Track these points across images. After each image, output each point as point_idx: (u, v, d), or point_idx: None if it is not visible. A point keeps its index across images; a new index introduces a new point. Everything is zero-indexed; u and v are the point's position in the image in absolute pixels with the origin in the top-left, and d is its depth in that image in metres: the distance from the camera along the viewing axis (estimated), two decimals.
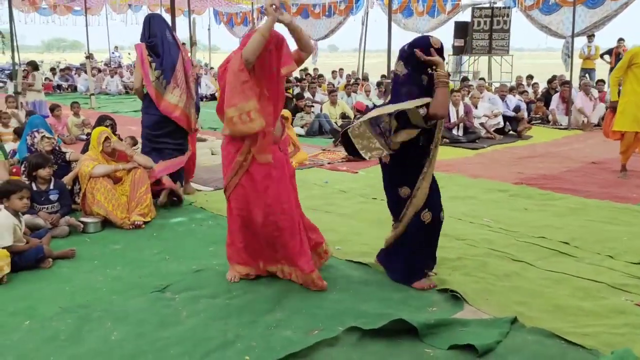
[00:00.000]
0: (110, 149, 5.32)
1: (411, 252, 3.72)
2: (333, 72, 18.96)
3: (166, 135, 5.72)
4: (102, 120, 6.18)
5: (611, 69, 16.09)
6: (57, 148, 5.83)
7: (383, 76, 15.17)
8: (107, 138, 5.32)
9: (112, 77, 19.91)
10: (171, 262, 4.26)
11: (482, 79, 15.96)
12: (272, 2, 3.43)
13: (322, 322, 3.23)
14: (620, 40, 15.65)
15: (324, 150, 8.91)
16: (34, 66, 12.46)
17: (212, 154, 8.13)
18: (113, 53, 27.12)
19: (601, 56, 16.01)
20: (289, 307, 3.43)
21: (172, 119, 5.62)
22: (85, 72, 17.17)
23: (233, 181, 3.69)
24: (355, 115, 9.90)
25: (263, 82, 3.53)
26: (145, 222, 5.14)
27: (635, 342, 2.95)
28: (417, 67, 3.47)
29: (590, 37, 16.29)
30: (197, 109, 6.07)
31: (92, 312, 3.38)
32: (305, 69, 19.60)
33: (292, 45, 3.70)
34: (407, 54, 3.51)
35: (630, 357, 2.74)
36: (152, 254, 4.43)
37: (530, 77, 15.66)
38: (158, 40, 5.62)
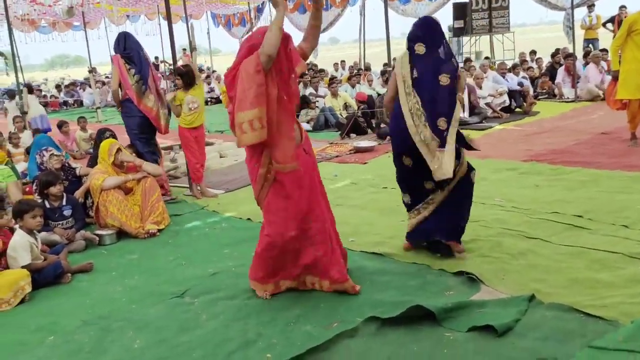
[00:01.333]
0: (119, 161, 5.38)
1: (462, 213, 3.97)
2: (335, 64, 18.94)
3: (148, 138, 6.34)
4: (102, 134, 6.21)
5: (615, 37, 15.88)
6: (66, 164, 5.89)
7: (385, 64, 15.11)
8: (119, 149, 5.39)
9: None
10: (187, 267, 4.31)
11: (487, 58, 15.86)
12: None
13: (341, 315, 3.25)
14: (622, 7, 15.44)
15: (331, 143, 8.92)
16: (28, 88, 12.55)
17: (221, 157, 8.18)
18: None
19: (603, 25, 15.80)
20: (306, 302, 3.46)
21: (150, 119, 6.21)
22: (90, 86, 17.28)
23: (262, 194, 3.46)
24: (358, 106, 9.88)
25: (280, 85, 3.33)
26: (159, 230, 5.20)
27: None
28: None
29: (590, 7, 16.08)
30: (169, 113, 6.55)
31: (113, 322, 3.43)
32: (309, 64, 19.59)
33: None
34: None
35: None
36: (168, 261, 4.48)
37: (533, 52, 15.51)
38: (134, 52, 6.21)
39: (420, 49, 3.79)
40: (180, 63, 6.98)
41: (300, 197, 3.39)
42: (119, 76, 6.14)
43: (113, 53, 6.42)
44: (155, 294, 3.82)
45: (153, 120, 6.23)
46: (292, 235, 3.39)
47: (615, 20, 15.63)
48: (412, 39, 3.85)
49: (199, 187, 6.38)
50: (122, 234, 5.15)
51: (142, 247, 4.88)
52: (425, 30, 3.84)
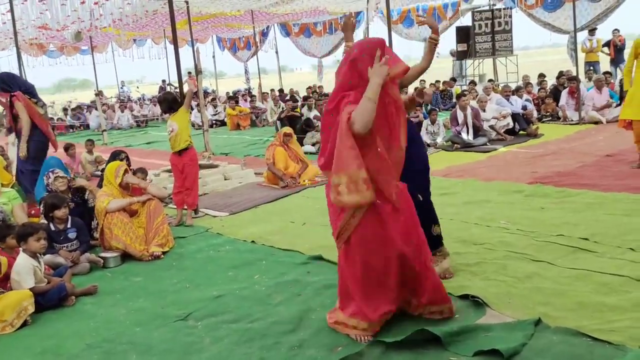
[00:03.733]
0: (125, 183, 5.41)
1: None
2: None
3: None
4: (116, 155, 6.28)
5: (611, 60, 16.03)
6: (72, 187, 5.92)
7: None
8: (126, 170, 5.43)
9: (122, 111, 20.20)
10: (191, 290, 4.29)
11: (491, 80, 15.93)
12: (383, 59, 2.96)
13: (345, 339, 3.22)
14: (615, 30, 15.62)
15: None
16: None
17: (225, 179, 8.20)
18: (122, 88, 27.56)
19: (602, 48, 15.99)
20: (310, 326, 3.44)
21: (51, 138, 6.91)
22: (96, 109, 17.44)
23: (351, 223, 3.13)
24: None
25: (381, 133, 3.08)
26: (163, 252, 5.20)
27: None
28: None
29: (592, 30, 16.24)
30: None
31: (117, 345, 3.42)
32: (313, 86, 19.73)
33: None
34: None
35: None
36: (173, 284, 4.47)
37: (541, 75, 15.55)
38: (29, 86, 6.91)
39: None
40: (185, 86, 7.05)
41: (396, 219, 3.18)
42: (28, 113, 6.59)
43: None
44: (159, 317, 3.80)
45: (50, 135, 6.87)
46: (388, 254, 3.17)
47: (611, 44, 15.79)
48: None
49: (184, 213, 6.36)
50: (126, 257, 5.14)
51: (147, 270, 4.87)
52: None
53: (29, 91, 6.83)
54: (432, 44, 3.79)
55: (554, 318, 3.22)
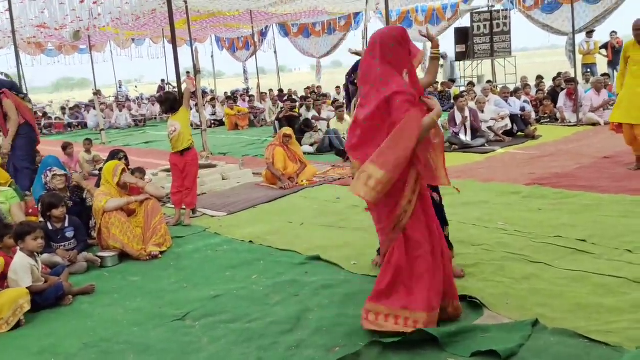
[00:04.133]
0: (122, 182, 5.40)
1: None
2: (337, 87, 19.01)
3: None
4: (115, 155, 6.26)
5: (609, 62, 16.08)
6: (70, 185, 5.91)
7: None
8: (123, 170, 5.42)
9: (120, 111, 20.17)
10: (189, 289, 4.29)
11: (490, 81, 15.95)
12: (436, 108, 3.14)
13: (343, 339, 3.23)
14: (613, 32, 15.66)
15: (333, 166, 8.93)
16: None
17: (223, 179, 8.19)
18: (120, 88, 27.53)
19: (599, 51, 16.05)
20: (308, 326, 3.44)
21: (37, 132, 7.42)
22: (94, 108, 17.42)
23: (408, 210, 3.16)
24: None
25: None
26: (161, 252, 5.19)
27: None
28: None
29: (589, 33, 16.27)
30: None
31: (114, 345, 3.42)
32: (311, 86, 19.74)
33: None
34: None
35: None
36: (170, 283, 4.47)
37: (540, 77, 15.57)
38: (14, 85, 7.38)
39: None
40: (184, 86, 7.04)
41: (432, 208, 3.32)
42: (16, 111, 6.94)
43: None
44: (157, 317, 3.80)
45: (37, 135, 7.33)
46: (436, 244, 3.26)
47: (609, 46, 15.85)
48: None
49: (182, 213, 6.35)
50: (124, 256, 5.14)
51: (144, 269, 4.87)
52: None
53: (14, 88, 7.03)
54: (434, 59, 3.69)
55: (552, 319, 3.23)
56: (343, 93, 18.50)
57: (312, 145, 10.68)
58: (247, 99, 17.97)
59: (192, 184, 6.34)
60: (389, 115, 3.08)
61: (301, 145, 10.21)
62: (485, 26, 17.58)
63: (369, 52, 3.22)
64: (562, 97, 11.88)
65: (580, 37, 16.26)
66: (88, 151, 10.30)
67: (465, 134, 9.77)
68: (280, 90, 20.30)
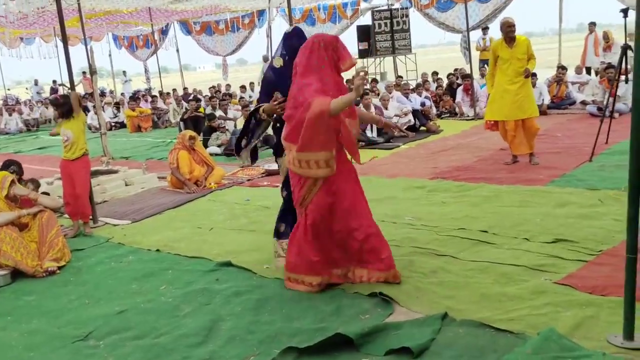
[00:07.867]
0: (12, 194, 5.00)
1: None
2: (242, 87, 18.76)
3: None
4: (7, 166, 5.78)
5: None
6: None
7: None
8: (12, 181, 5.01)
9: (10, 115, 18.80)
10: (92, 306, 4.04)
11: (400, 77, 16.35)
12: (361, 77, 3.46)
13: (257, 347, 3.16)
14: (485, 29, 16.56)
15: (242, 167, 8.79)
16: None
17: (127, 185, 7.82)
18: (9, 90, 25.67)
19: None
20: (220, 336, 3.33)
21: None
22: None
23: (312, 191, 3.72)
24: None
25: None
26: (59, 267, 4.86)
27: (558, 320, 3.09)
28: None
29: (485, 29, 17.11)
30: None
31: None
32: (217, 85, 19.36)
33: None
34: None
35: (554, 335, 2.85)
36: (70, 300, 4.19)
37: (435, 73, 16.20)
38: None
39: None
40: (80, 87, 6.65)
41: (346, 191, 3.81)
42: None
43: None
44: (57, 338, 3.54)
45: None
46: (337, 223, 3.84)
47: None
48: None
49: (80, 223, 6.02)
50: (17, 274, 4.74)
51: (41, 287, 4.52)
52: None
53: None
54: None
55: (459, 311, 3.33)
56: (254, 90, 18.32)
57: (219, 146, 10.46)
58: (149, 99, 17.33)
59: (82, 191, 5.96)
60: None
61: (208, 146, 9.98)
62: (386, 24, 18.01)
63: (315, 50, 3.72)
64: (459, 92, 12.42)
65: (478, 35, 17.06)
66: None
67: (372, 131, 9.97)
68: (185, 89, 19.76)
